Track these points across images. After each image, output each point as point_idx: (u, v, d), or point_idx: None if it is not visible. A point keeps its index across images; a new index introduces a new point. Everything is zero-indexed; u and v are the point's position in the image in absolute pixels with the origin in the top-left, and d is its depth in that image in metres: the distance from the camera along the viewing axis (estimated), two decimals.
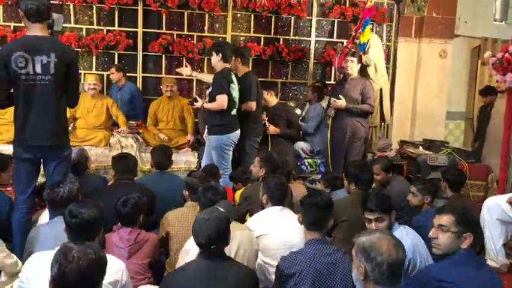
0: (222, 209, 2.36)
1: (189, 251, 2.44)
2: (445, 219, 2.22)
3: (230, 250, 2.43)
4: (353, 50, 4.82)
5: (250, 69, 4.93)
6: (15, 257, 2.64)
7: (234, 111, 4.31)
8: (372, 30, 5.33)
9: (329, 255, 2.26)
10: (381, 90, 5.06)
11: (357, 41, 4.95)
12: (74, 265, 1.57)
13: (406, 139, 5.90)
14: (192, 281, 2.09)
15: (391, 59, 6.26)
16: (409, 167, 4.99)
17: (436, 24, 6.18)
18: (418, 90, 6.30)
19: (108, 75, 5.64)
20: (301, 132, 5.31)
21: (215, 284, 2.07)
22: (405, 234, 2.53)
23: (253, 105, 4.51)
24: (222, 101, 4.16)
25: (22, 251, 2.71)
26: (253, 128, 4.61)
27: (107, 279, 2.10)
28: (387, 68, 6.08)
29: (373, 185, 3.78)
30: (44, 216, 2.96)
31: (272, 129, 5.01)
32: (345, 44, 5.61)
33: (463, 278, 2.06)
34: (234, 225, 2.56)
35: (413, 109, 6.33)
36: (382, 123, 5.58)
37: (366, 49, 4.87)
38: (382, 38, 6.23)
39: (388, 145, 5.59)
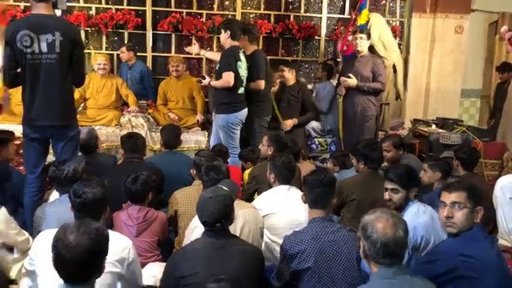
0: (225, 188, 2.36)
1: (194, 230, 2.45)
2: (458, 196, 2.17)
3: (235, 228, 2.44)
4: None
5: (259, 47, 4.85)
6: (26, 234, 2.69)
7: (241, 90, 4.27)
8: (374, 9, 5.25)
9: (333, 233, 2.24)
10: (394, 66, 4.95)
11: (356, 24, 4.87)
12: (71, 249, 1.57)
13: (420, 118, 5.80)
14: (197, 259, 2.11)
15: (404, 35, 6.10)
16: (421, 145, 4.92)
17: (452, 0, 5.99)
18: (432, 68, 6.16)
19: (118, 55, 5.62)
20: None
21: (220, 262, 2.08)
22: (422, 212, 2.50)
23: (261, 83, 4.46)
24: (228, 77, 4.11)
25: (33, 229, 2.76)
26: (262, 107, 4.57)
27: (114, 257, 2.14)
28: (400, 44, 5.96)
29: (384, 163, 3.75)
30: (53, 195, 3.00)
31: (289, 124, 4.92)
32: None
33: (481, 254, 2.04)
34: (239, 204, 2.56)
35: (427, 87, 6.20)
36: (397, 100, 5.48)
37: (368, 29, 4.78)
38: (395, 14, 6.08)
39: (401, 123, 5.51)
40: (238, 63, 4.18)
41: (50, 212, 2.56)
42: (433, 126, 5.13)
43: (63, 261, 1.59)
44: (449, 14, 6.05)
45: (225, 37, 4.23)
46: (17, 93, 4.55)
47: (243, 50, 4.35)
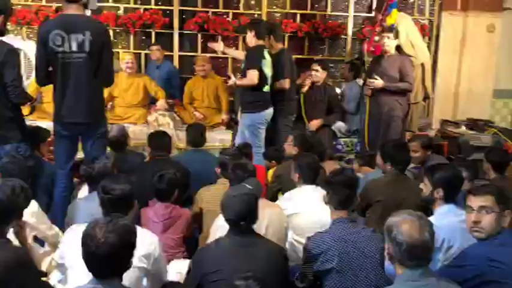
0: (249, 187, 2.37)
1: (219, 228, 2.47)
2: (485, 200, 2.10)
3: (260, 228, 2.44)
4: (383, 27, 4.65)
5: (284, 46, 4.84)
6: (56, 228, 2.76)
7: (266, 88, 4.28)
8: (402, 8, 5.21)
9: (356, 234, 2.23)
10: (422, 65, 4.86)
11: (384, 24, 4.79)
12: (100, 245, 1.59)
13: (449, 118, 5.68)
14: (222, 256, 2.13)
15: (433, 34, 5.97)
16: (450, 147, 4.82)
17: None
18: (462, 67, 6.00)
19: (145, 54, 5.71)
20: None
21: (245, 260, 2.09)
22: (453, 215, 2.43)
23: (286, 83, 4.46)
24: (252, 76, 4.13)
25: (63, 223, 2.84)
26: (287, 106, 4.57)
27: (140, 252, 2.18)
28: (428, 44, 5.85)
29: (411, 165, 3.69)
30: (82, 192, 3.08)
31: (315, 124, 4.86)
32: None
33: (510, 259, 1.97)
34: (264, 203, 2.57)
35: (456, 87, 6.04)
36: (425, 101, 5.38)
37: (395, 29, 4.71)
38: (424, 12, 5.96)
39: (428, 124, 5.40)
40: (263, 61, 4.19)
41: (81, 207, 2.63)
42: (463, 127, 5.03)
43: (92, 256, 1.62)
44: (481, 12, 5.88)
45: (250, 36, 4.25)
46: (48, 91, 4.69)
47: (268, 49, 4.36)
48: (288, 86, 4.49)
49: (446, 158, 4.35)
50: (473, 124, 5.03)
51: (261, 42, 4.26)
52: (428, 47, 5.87)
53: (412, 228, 1.74)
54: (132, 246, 1.71)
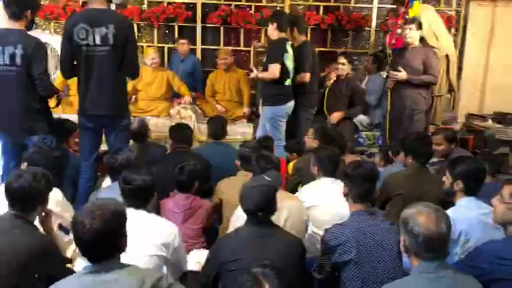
0: (268, 178, 2.38)
1: (238, 218, 2.50)
2: (505, 190, 2.09)
3: (279, 220, 2.46)
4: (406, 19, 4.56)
5: (307, 38, 4.82)
6: None
7: (288, 82, 4.27)
8: (426, 1, 5.12)
9: (375, 226, 2.22)
10: (447, 57, 4.75)
11: (407, 16, 4.71)
12: (86, 231, 1.61)
13: (475, 112, 5.54)
14: (239, 246, 2.15)
15: (460, 25, 5.82)
16: (475, 141, 4.71)
17: None
18: (490, 60, 5.83)
19: (168, 48, 5.78)
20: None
21: (262, 250, 2.11)
22: (474, 207, 2.40)
23: (306, 76, 4.44)
24: (274, 69, 4.13)
25: None
26: (308, 99, 4.56)
27: (160, 240, 2.24)
28: (455, 35, 5.71)
29: (435, 159, 3.63)
30: (106, 183, 3.15)
31: (336, 116, 4.82)
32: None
33: None
34: (284, 195, 2.58)
35: (484, 80, 5.87)
36: (450, 93, 5.26)
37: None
38: (451, 3, 5.81)
39: (454, 118, 5.29)
40: (285, 55, 4.19)
41: (103, 196, 2.69)
42: (490, 121, 4.90)
43: (81, 242, 1.65)
44: (511, 1, 5.69)
45: (272, 29, 4.24)
46: (75, 84, 4.80)
47: (290, 42, 4.35)
48: (308, 80, 4.47)
49: (472, 152, 4.27)
50: (501, 118, 4.90)
51: (283, 34, 4.25)
52: (455, 39, 5.74)
53: (428, 220, 1.74)
54: (120, 230, 1.70)
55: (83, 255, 1.69)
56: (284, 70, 4.18)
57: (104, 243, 1.64)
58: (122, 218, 1.71)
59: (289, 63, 4.23)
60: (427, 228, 1.72)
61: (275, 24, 4.22)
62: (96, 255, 1.66)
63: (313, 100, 4.66)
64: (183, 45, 5.47)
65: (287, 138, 4.43)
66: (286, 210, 2.56)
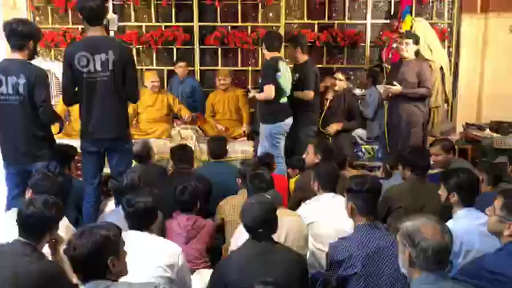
0: (268, 196, 2.42)
1: (240, 236, 2.53)
2: (496, 201, 2.13)
3: (279, 236, 2.48)
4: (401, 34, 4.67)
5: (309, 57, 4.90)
6: None
7: (283, 99, 4.35)
8: (420, 12, 5.28)
9: (379, 240, 2.24)
10: (441, 69, 4.83)
11: (401, 30, 4.83)
12: (75, 252, 1.72)
13: (473, 122, 5.58)
14: (242, 265, 2.17)
15: (453, 37, 5.91)
16: (473, 150, 4.75)
17: None
18: (485, 70, 5.89)
19: (168, 70, 5.88)
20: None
21: (263, 267, 2.13)
22: (472, 217, 2.43)
23: (310, 94, 4.54)
24: (268, 90, 4.23)
25: None
26: (308, 117, 4.62)
27: (164, 262, 2.27)
28: (449, 47, 5.80)
29: (435, 170, 3.67)
30: (109, 205, 3.19)
31: (333, 129, 4.92)
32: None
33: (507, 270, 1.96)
34: (283, 212, 2.61)
35: (480, 90, 5.92)
36: (446, 104, 5.32)
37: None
38: (443, 16, 5.92)
39: (452, 128, 5.33)
40: (278, 73, 4.26)
41: (110, 220, 2.72)
42: (487, 130, 4.94)
43: (70, 259, 1.75)
44: (502, 12, 5.78)
45: (264, 50, 4.39)
46: (76, 110, 4.87)
47: (287, 59, 4.44)
48: (312, 98, 4.56)
49: (471, 162, 4.30)
50: (498, 127, 4.94)
51: (274, 53, 4.34)
52: (449, 51, 5.83)
53: (435, 233, 1.74)
54: (107, 251, 1.75)
55: (74, 271, 1.79)
56: (278, 88, 4.26)
57: (91, 262, 1.72)
58: (109, 240, 1.76)
59: (283, 81, 4.30)
60: (436, 241, 1.73)
61: (264, 45, 4.37)
62: (84, 274, 1.75)
63: (314, 117, 4.73)
64: (181, 68, 5.56)
65: (289, 154, 4.47)
66: (286, 226, 2.58)
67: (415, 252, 1.75)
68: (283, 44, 4.89)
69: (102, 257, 1.73)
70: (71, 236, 1.78)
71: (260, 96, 4.35)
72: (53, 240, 2.26)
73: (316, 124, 4.78)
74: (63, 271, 2.22)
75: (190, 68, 5.88)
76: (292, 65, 4.79)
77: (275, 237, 2.29)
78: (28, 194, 2.75)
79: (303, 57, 4.63)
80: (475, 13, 5.84)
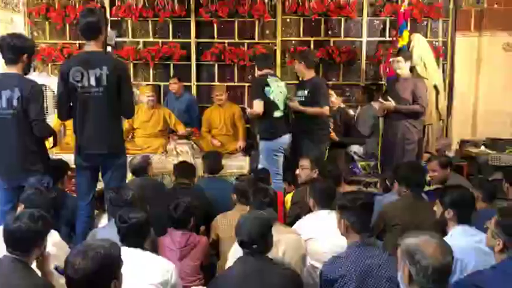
0: (264, 213, 2.40)
1: (235, 253, 2.49)
2: (495, 217, 2.13)
3: (277, 254, 2.45)
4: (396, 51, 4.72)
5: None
6: None
7: (277, 113, 4.34)
8: (415, 31, 5.37)
9: (373, 258, 2.21)
10: (435, 87, 4.86)
11: (398, 45, 4.88)
12: (76, 272, 1.64)
13: (468, 139, 5.61)
14: (237, 283, 2.14)
15: (448, 55, 5.97)
16: (469, 167, 4.75)
17: (498, 17, 5.81)
18: (480, 87, 5.95)
19: (164, 86, 5.89)
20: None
21: (260, 285, 2.10)
22: (469, 235, 2.42)
23: (326, 110, 4.46)
24: (256, 105, 4.27)
25: None
26: (321, 135, 4.54)
27: (157, 279, 2.23)
28: (444, 65, 5.85)
29: (432, 186, 3.66)
30: (103, 220, 3.15)
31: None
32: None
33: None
34: (281, 229, 2.59)
35: (475, 108, 5.97)
36: (441, 122, 5.34)
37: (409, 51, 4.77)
38: (438, 34, 5.99)
39: (447, 145, 5.35)
40: (267, 88, 4.28)
41: (102, 235, 2.69)
42: (482, 147, 4.96)
43: (71, 282, 1.67)
44: (496, 31, 5.86)
45: (256, 70, 4.50)
46: (71, 124, 4.86)
47: (275, 77, 4.50)
48: (328, 113, 4.51)
49: (466, 179, 4.30)
50: (493, 144, 4.96)
51: (263, 71, 4.41)
52: (444, 68, 5.88)
53: (436, 252, 1.72)
54: (110, 272, 1.71)
55: None
56: (269, 103, 4.27)
57: (93, 284, 1.66)
58: (113, 260, 1.72)
59: (274, 95, 4.32)
60: (436, 260, 1.71)
61: (256, 65, 4.47)
62: None
63: (326, 135, 4.65)
64: (174, 85, 5.58)
65: (285, 170, 4.45)
66: (284, 244, 2.55)
67: (414, 269, 1.73)
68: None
69: (107, 277, 1.68)
70: (70, 256, 1.70)
71: (250, 111, 4.38)
72: (41, 256, 2.22)
73: (327, 142, 4.69)
74: (53, 287, 2.18)
75: (187, 84, 5.90)
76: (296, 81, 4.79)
77: (273, 253, 2.26)
78: (19, 208, 2.71)
79: (309, 73, 4.56)
80: (469, 31, 5.92)
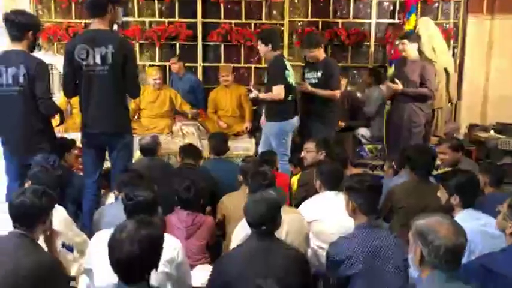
0: (273, 193, 2.39)
1: (240, 233, 2.50)
2: (507, 201, 2.11)
3: (280, 234, 2.45)
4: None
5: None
6: (84, 235, 2.84)
7: (290, 97, 4.27)
8: (426, 12, 5.32)
9: (380, 239, 2.21)
10: (446, 70, 4.79)
11: (404, 28, 4.80)
12: (124, 252, 1.63)
13: (477, 123, 5.55)
14: (244, 262, 2.14)
15: (459, 38, 5.87)
16: (478, 152, 4.71)
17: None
18: (491, 71, 5.87)
19: (170, 66, 5.85)
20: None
21: (267, 265, 2.10)
22: (474, 218, 2.41)
23: (337, 93, 4.39)
24: (278, 92, 4.14)
25: (92, 231, 2.92)
26: (332, 117, 4.48)
27: (164, 256, 2.21)
28: (454, 47, 5.76)
29: (440, 171, 3.63)
30: (109, 199, 3.16)
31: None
32: None
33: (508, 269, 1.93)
34: (284, 210, 2.57)
35: (485, 91, 5.90)
36: (450, 105, 5.28)
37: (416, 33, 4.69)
38: (449, 15, 5.88)
39: (456, 129, 5.30)
40: (286, 72, 4.20)
41: (108, 213, 2.70)
42: (492, 131, 4.90)
43: (117, 263, 1.66)
44: (508, 14, 5.75)
45: (266, 50, 4.22)
46: (77, 103, 4.85)
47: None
48: (338, 97, 4.44)
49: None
50: (503, 128, 4.90)
51: (277, 52, 4.26)
52: (454, 51, 5.79)
53: (449, 233, 1.72)
54: (157, 251, 1.73)
55: (116, 275, 1.69)
56: (287, 87, 4.18)
57: (140, 267, 1.67)
58: (159, 240, 1.74)
59: (291, 80, 4.24)
60: (450, 240, 1.70)
61: (270, 45, 4.18)
62: (128, 278, 1.68)
63: (337, 118, 4.58)
64: (175, 65, 5.52)
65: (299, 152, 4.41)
66: (287, 224, 2.54)
67: (427, 250, 1.72)
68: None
69: (153, 259, 1.70)
70: (118, 238, 1.67)
71: (268, 96, 4.24)
72: (48, 233, 2.22)
73: (337, 124, 4.64)
74: (60, 263, 2.20)
75: (193, 64, 5.85)
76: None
77: (277, 234, 2.26)
78: (27, 185, 2.72)
79: (323, 55, 4.46)
80: (481, 14, 5.80)
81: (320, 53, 4.41)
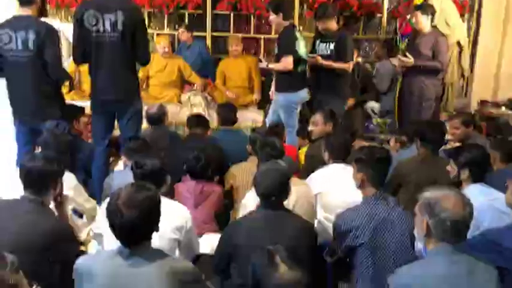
0: (283, 163, 2.39)
1: (248, 202, 2.51)
2: None
3: (288, 204, 2.46)
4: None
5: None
6: (93, 202, 2.88)
7: (300, 68, 4.21)
8: None
9: (387, 211, 2.22)
10: (459, 43, 4.69)
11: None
12: (122, 217, 1.64)
13: (488, 99, 5.47)
14: (253, 230, 2.17)
15: (475, 12, 5.72)
16: (489, 128, 4.66)
17: None
18: (505, 48, 5.74)
19: (178, 35, 5.78)
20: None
21: (276, 234, 2.12)
22: (482, 193, 2.40)
23: (350, 66, 4.30)
24: (287, 62, 4.07)
25: (101, 197, 2.96)
26: (343, 90, 4.38)
27: (173, 224, 2.26)
28: (469, 21, 5.62)
29: (452, 145, 3.60)
30: (118, 167, 3.19)
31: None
32: None
33: None
34: (293, 181, 2.57)
35: (498, 68, 5.79)
36: (462, 79, 5.20)
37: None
38: None
39: (467, 105, 5.23)
40: (297, 42, 4.14)
41: (117, 179, 2.73)
42: (503, 108, 4.84)
43: (115, 227, 1.68)
44: None
45: (277, 19, 4.12)
46: (86, 71, 4.82)
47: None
48: (351, 70, 4.36)
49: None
50: None
51: (287, 22, 4.18)
52: (469, 26, 5.65)
53: (456, 205, 1.72)
54: (154, 218, 1.73)
55: (118, 239, 1.71)
56: (296, 59, 4.11)
57: (140, 230, 1.68)
58: (157, 205, 1.74)
59: (301, 50, 4.16)
60: (456, 213, 1.71)
61: (281, 15, 4.08)
62: (129, 241, 1.70)
63: (349, 91, 4.48)
64: (182, 34, 5.43)
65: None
66: (294, 194, 2.56)
67: (433, 222, 1.73)
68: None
69: (152, 222, 1.71)
70: (115, 203, 1.67)
71: (278, 66, 4.18)
72: (59, 198, 2.24)
73: (348, 97, 4.56)
74: (71, 227, 2.23)
75: (202, 34, 5.77)
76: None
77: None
78: (37, 151, 2.74)
79: (335, 26, 4.34)
80: None
81: (333, 25, 4.31)
